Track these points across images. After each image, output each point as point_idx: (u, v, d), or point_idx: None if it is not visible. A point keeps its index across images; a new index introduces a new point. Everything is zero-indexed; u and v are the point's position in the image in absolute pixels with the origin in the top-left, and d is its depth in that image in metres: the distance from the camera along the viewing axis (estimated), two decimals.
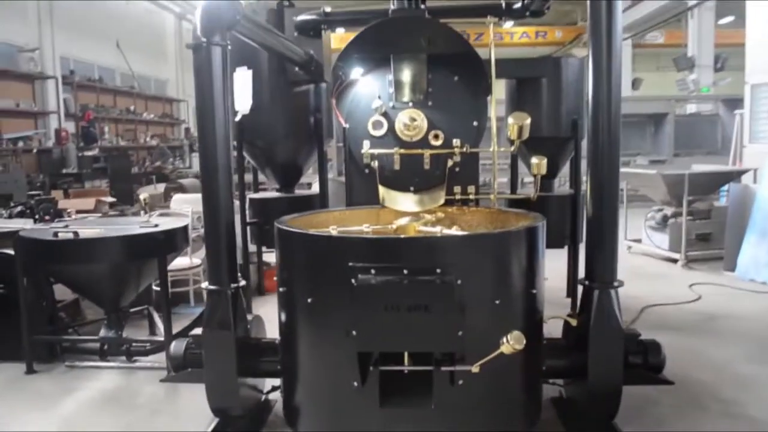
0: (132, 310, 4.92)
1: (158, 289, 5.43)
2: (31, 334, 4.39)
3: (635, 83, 21.43)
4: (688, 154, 12.36)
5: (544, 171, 3.81)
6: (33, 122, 13.57)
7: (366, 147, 3.94)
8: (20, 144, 12.32)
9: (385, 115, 3.91)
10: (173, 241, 4.42)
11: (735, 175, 7.35)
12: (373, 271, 2.63)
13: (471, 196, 3.99)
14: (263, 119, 5.04)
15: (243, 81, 5.14)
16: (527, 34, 25.85)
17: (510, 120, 3.67)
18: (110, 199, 5.96)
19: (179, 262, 5.59)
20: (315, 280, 2.87)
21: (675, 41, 19.71)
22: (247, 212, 5.79)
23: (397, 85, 3.90)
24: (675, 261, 7.16)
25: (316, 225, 3.44)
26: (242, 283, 3.26)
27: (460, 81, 3.95)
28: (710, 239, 7.24)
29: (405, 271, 2.61)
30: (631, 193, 8.38)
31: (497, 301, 2.74)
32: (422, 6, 4.09)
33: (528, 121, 3.65)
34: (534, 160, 3.84)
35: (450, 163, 3.94)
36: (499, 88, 4.11)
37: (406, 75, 3.88)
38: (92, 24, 15.10)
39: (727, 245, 6.71)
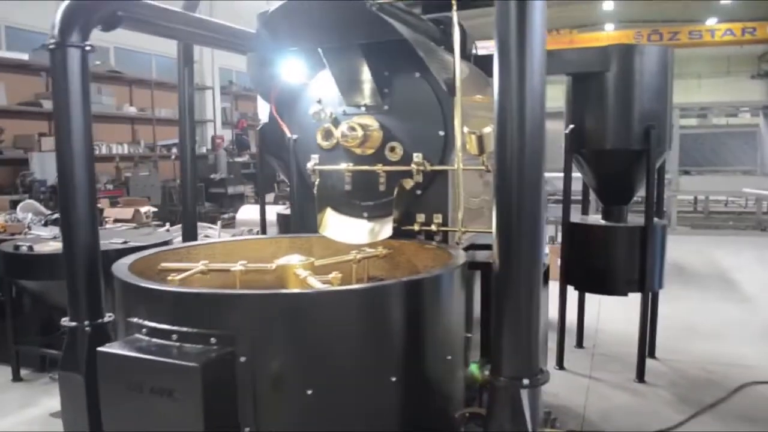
0: None
1: None
2: (17, 343, 4.35)
3: None
4: None
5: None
6: None
7: (312, 162, 3.25)
8: (174, 150, 13.36)
9: (335, 122, 3.18)
10: None
11: None
12: (144, 331, 1.96)
13: (434, 228, 3.06)
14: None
15: None
16: (732, 31, 22.34)
17: (465, 129, 2.72)
18: (146, 209, 5.96)
19: None
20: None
21: None
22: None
23: (342, 84, 3.11)
24: None
25: (198, 258, 2.79)
26: (108, 318, 2.79)
27: (424, 78, 3.04)
28: None
29: (174, 337, 1.89)
30: None
31: (309, 392, 1.88)
32: None
33: (488, 129, 2.65)
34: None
35: (410, 183, 3.08)
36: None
37: (347, 72, 3.06)
38: None
39: None
